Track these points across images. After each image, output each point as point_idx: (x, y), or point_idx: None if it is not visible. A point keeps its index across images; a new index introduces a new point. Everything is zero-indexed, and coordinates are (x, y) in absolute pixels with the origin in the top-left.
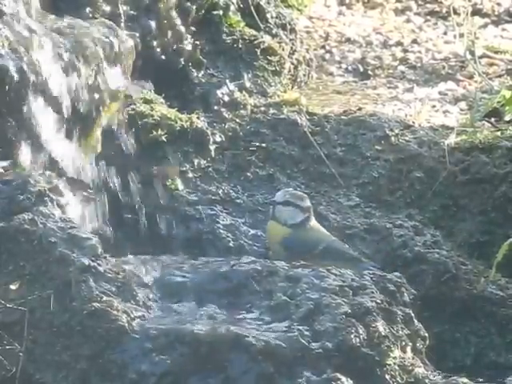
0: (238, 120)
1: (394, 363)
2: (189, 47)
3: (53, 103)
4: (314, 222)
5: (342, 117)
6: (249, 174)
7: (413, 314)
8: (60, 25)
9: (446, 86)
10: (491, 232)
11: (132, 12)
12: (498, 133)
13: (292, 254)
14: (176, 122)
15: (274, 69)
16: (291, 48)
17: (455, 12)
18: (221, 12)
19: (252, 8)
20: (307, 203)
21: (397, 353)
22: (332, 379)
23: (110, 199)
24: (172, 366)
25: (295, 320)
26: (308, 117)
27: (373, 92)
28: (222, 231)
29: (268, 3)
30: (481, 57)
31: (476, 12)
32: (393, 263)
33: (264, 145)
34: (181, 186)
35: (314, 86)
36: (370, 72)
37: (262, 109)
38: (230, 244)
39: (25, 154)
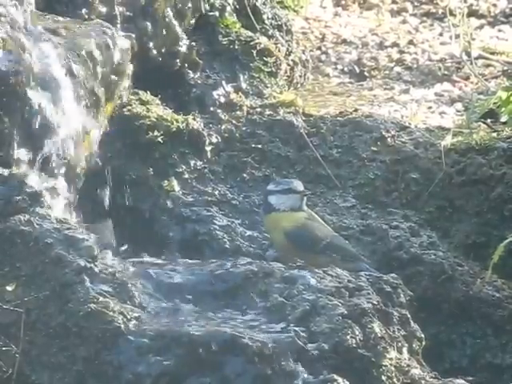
0: (234, 121)
1: (391, 364)
2: (185, 48)
3: (49, 104)
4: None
5: (338, 118)
6: (245, 175)
7: (409, 315)
8: (56, 26)
9: (442, 87)
10: (487, 233)
11: (128, 13)
12: (494, 134)
13: (295, 246)
14: (172, 124)
15: (270, 70)
16: (287, 49)
17: (451, 13)
18: (217, 13)
19: (248, 9)
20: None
21: (393, 354)
22: (328, 380)
23: (106, 200)
24: (168, 367)
25: (291, 321)
26: (304, 118)
27: (369, 93)
28: (218, 232)
29: (264, 4)
30: (477, 58)
31: (472, 13)
32: (389, 264)
33: (260, 146)
34: (177, 187)
35: (310, 87)
36: (366, 73)
37: (258, 110)
38: (227, 245)
39: (21, 154)
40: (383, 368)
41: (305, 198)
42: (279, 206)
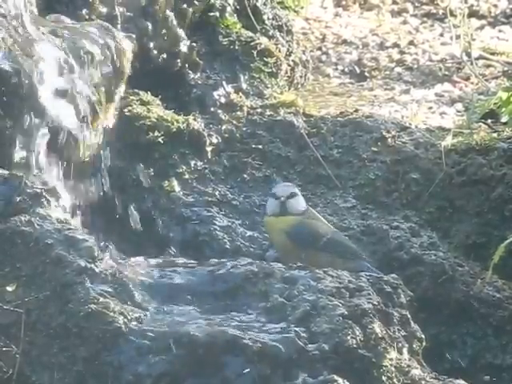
0: (234, 121)
1: (391, 365)
2: (185, 49)
3: (50, 105)
4: (313, 211)
5: (339, 118)
6: (245, 175)
7: (409, 316)
8: (57, 27)
9: (443, 87)
10: (488, 233)
11: (128, 13)
12: (495, 134)
13: (296, 244)
14: (173, 124)
15: (270, 70)
16: (288, 49)
17: (452, 14)
18: (217, 14)
19: (248, 9)
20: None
21: (393, 354)
22: (328, 381)
23: (106, 201)
24: (168, 367)
25: (292, 321)
26: (304, 118)
27: (369, 93)
28: (218, 233)
29: (264, 5)
30: (477, 58)
31: (472, 14)
32: (389, 265)
33: (260, 146)
34: (177, 188)
35: (310, 87)
36: (366, 73)
37: (259, 110)
38: (227, 245)
39: (22, 155)
40: (383, 368)
41: (289, 205)
42: (266, 210)
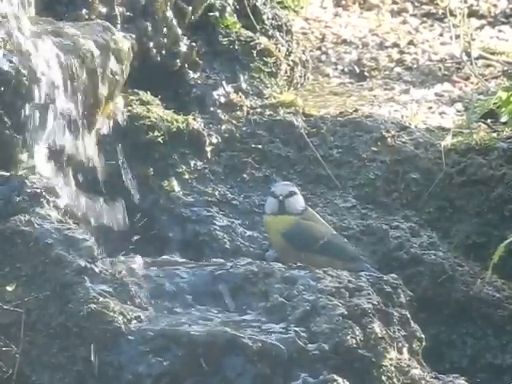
0: (234, 121)
1: (391, 364)
2: (185, 49)
3: (49, 104)
4: (312, 211)
5: (339, 118)
6: (245, 175)
7: (409, 316)
8: (56, 26)
9: (443, 87)
10: (487, 233)
11: (128, 13)
12: (494, 134)
13: (292, 246)
14: (172, 124)
15: (270, 70)
16: (287, 49)
17: (451, 13)
18: (217, 13)
19: (248, 9)
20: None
21: (393, 354)
22: (328, 380)
23: (106, 200)
24: (168, 367)
25: (292, 321)
26: (304, 118)
27: (369, 93)
28: (218, 233)
29: (264, 4)
30: (477, 58)
31: (472, 13)
32: (389, 265)
33: (260, 146)
34: (177, 188)
35: (310, 87)
36: (366, 73)
37: (259, 110)
38: (227, 245)
39: (21, 155)
40: (383, 368)
41: (287, 203)
42: (265, 209)
